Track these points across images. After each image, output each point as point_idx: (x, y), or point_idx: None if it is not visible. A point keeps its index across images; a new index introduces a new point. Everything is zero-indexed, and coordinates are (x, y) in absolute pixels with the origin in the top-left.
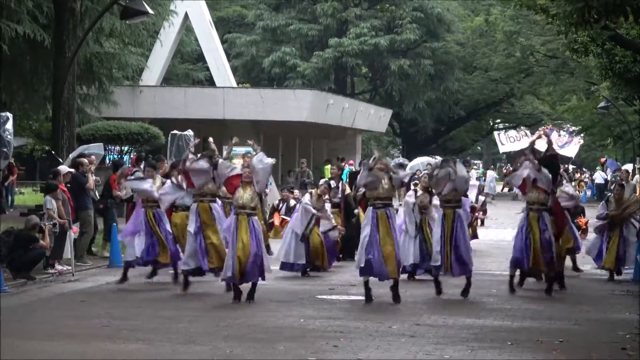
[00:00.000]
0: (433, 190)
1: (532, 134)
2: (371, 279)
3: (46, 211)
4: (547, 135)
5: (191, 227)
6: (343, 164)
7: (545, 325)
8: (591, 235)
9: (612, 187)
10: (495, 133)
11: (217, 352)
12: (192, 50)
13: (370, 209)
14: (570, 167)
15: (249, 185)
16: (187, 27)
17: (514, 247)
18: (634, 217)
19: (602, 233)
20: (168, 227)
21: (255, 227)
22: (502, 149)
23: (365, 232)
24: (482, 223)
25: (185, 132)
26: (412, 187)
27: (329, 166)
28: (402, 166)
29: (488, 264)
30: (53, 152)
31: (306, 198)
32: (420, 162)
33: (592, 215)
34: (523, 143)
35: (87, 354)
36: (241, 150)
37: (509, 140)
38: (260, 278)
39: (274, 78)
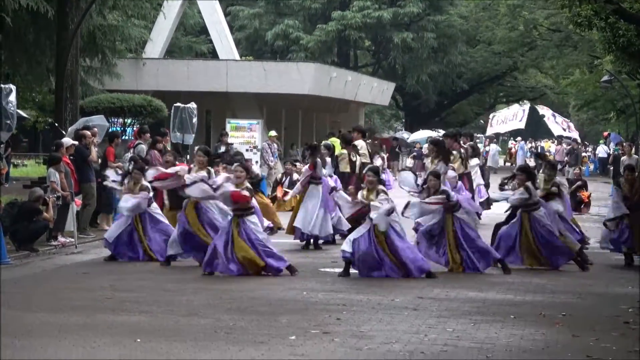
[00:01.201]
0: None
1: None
2: None
3: (50, 184)
4: None
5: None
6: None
7: (548, 298)
8: (593, 210)
9: (611, 161)
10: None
11: (219, 325)
12: (195, 23)
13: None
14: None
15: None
16: None
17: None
18: None
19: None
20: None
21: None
22: (489, 130)
23: None
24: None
25: (188, 105)
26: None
27: (336, 139)
28: (397, 140)
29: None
30: (56, 124)
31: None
32: (422, 136)
33: (594, 189)
34: (510, 125)
35: (90, 326)
36: (244, 123)
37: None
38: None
39: (277, 51)
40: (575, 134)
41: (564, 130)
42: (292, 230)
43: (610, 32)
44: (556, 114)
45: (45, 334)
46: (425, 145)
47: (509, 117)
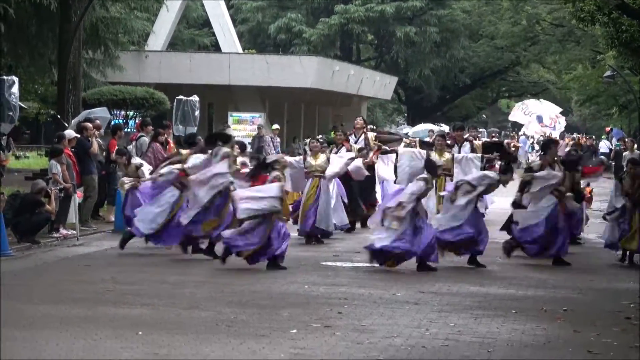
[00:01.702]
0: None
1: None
2: None
3: (52, 176)
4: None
5: None
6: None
7: (549, 293)
8: (595, 205)
9: (613, 157)
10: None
11: (221, 318)
12: (198, 16)
13: None
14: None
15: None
16: None
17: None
18: None
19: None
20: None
21: None
22: (511, 116)
23: None
24: None
25: (190, 98)
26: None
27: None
28: (392, 134)
29: (493, 232)
30: (59, 116)
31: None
32: (423, 130)
33: (596, 184)
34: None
35: (92, 318)
36: (246, 116)
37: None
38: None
39: (280, 44)
40: (561, 126)
41: (553, 129)
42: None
43: (613, 27)
44: (542, 117)
45: (47, 326)
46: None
47: (533, 112)
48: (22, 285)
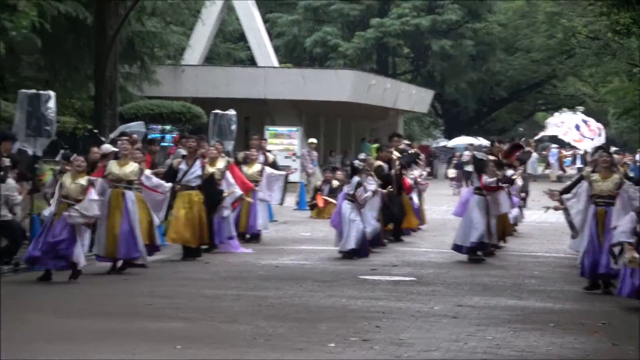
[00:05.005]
0: None
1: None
2: None
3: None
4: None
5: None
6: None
7: (588, 307)
8: None
9: None
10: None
11: (259, 332)
12: (234, 30)
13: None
14: (613, 148)
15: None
16: (228, 6)
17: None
18: None
19: None
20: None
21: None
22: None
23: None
24: (525, 204)
25: (227, 112)
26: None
27: (375, 145)
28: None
29: (530, 244)
30: (95, 131)
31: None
32: (461, 143)
33: None
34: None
35: (129, 332)
36: (283, 130)
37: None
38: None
39: (316, 58)
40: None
41: (592, 139)
42: None
43: None
44: (580, 126)
45: (83, 339)
46: (466, 153)
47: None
48: (58, 299)
